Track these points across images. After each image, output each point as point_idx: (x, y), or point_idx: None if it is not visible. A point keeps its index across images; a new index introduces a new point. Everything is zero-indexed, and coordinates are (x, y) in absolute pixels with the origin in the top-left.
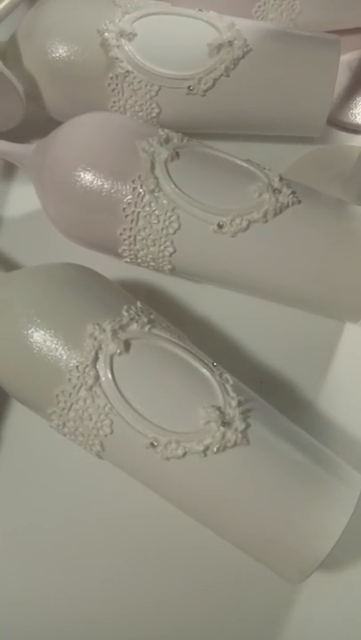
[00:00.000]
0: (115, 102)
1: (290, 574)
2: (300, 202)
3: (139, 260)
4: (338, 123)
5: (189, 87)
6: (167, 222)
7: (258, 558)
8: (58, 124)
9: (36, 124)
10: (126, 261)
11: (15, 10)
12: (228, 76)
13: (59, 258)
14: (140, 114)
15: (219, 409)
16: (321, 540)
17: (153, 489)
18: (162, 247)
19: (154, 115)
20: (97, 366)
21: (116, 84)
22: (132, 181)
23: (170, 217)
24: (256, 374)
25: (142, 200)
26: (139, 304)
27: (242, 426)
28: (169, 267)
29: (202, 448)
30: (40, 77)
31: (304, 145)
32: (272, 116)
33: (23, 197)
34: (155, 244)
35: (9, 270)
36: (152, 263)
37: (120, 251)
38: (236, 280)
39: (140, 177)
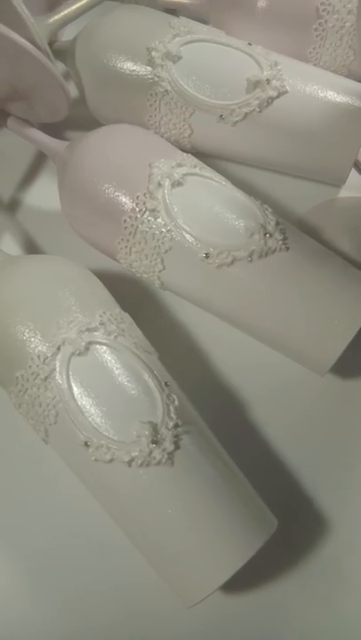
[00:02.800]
0: (151, 117)
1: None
2: (287, 249)
3: (133, 270)
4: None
5: (221, 115)
6: (160, 241)
7: (160, 574)
8: (99, 124)
9: (80, 121)
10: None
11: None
12: (260, 111)
13: (71, 249)
14: (174, 131)
15: (154, 426)
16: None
17: (85, 485)
18: (153, 263)
19: (186, 135)
20: (55, 360)
21: (155, 101)
22: (137, 197)
23: (163, 237)
24: (223, 395)
25: (142, 216)
26: (117, 311)
27: (170, 447)
28: (158, 282)
29: (127, 459)
30: (89, 81)
31: (328, 187)
32: (296, 159)
33: (48, 187)
34: (147, 259)
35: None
36: (145, 275)
37: (117, 257)
38: (215, 308)
39: (145, 194)
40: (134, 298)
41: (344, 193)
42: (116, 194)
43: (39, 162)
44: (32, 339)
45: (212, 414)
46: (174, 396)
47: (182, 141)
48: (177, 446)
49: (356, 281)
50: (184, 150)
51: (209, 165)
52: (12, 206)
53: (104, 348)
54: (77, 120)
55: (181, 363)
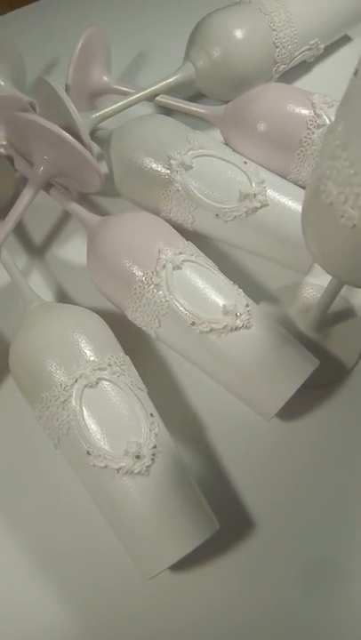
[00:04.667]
0: (164, 205)
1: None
2: (249, 327)
3: (136, 322)
4: None
5: (217, 214)
6: (159, 307)
7: (129, 553)
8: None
9: (109, 194)
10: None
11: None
12: (246, 216)
13: (92, 297)
14: (180, 219)
15: (138, 446)
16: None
17: (81, 482)
18: (152, 321)
19: (189, 222)
20: (73, 389)
21: (168, 195)
22: (147, 273)
23: (162, 305)
24: (194, 426)
25: (148, 287)
26: (121, 355)
27: (148, 462)
28: (154, 334)
29: (117, 467)
30: (118, 169)
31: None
32: (272, 253)
33: (79, 246)
34: (148, 317)
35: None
36: (144, 328)
37: (126, 312)
38: (195, 361)
39: (152, 272)
40: (135, 342)
41: (308, 279)
42: (131, 268)
43: (75, 223)
44: (58, 371)
45: (184, 440)
46: (156, 425)
47: (186, 226)
48: (153, 462)
49: (297, 353)
50: (188, 231)
51: (209, 244)
52: (50, 258)
53: (109, 383)
54: (107, 193)
55: (165, 399)
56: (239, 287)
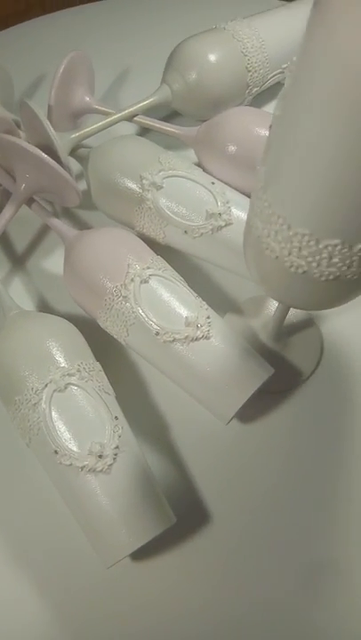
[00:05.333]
0: (137, 221)
1: (105, 557)
2: (209, 338)
3: (107, 330)
4: None
5: (185, 231)
6: (127, 317)
7: (91, 543)
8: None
9: (88, 207)
10: None
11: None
12: (212, 234)
13: (67, 305)
14: (152, 234)
15: (102, 446)
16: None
17: (50, 477)
18: (121, 330)
19: (160, 237)
20: (43, 393)
21: (141, 212)
22: (116, 286)
23: (130, 315)
24: (159, 427)
25: (117, 299)
26: (91, 361)
27: (110, 461)
28: (123, 342)
29: (81, 465)
30: (96, 187)
31: None
32: (234, 268)
33: (58, 256)
34: (117, 327)
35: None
36: (115, 335)
37: (97, 320)
38: (159, 368)
39: (121, 285)
40: (109, 348)
41: None
42: (103, 281)
43: (56, 236)
44: (30, 376)
45: (150, 439)
46: (120, 427)
47: (158, 240)
48: (115, 461)
49: (253, 362)
50: (160, 244)
51: (180, 257)
52: (31, 269)
53: (77, 388)
54: (87, 206)
55: (134, 401)
56: (207, 298)
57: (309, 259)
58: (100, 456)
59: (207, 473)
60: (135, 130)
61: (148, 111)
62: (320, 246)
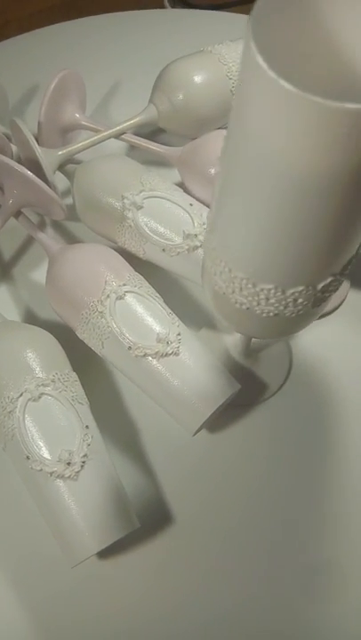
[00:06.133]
0: (119, 237)
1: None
2: (178, 354)
3: (85, 342)
4: None
5: (163, 249)
6: (102, 331)
7: (57, 540)
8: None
9: (74, 218)
10: None
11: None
12: (188, 253)
13: (50, 315)
14: (133, 250)
15: (70, 454)
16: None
17: (22, 480)
18: (97, 343)
19: (140, 253)
20: (18, 401)
21: (122, 229)
22: (93, 302)
23: (105, 330)
24: (130, 435)
25: (94, 314)
26: (66, 371)
27: (78, 468)
28: (100, 354)
29: (50, 471)
30: (80, 202)
31: None
32: None
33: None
34: (93, 339)
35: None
36: (92, 347)
37: (75, 332)
38: (132, 380)
39: (98, 301)
40: (85, 357)
41: None
42: (80, 295)
43: (41, 248)
44: (7, 385)
45: (120, 447)
46: (90, 436)
47: (138, 255)
48: (82, 468)
49: (219, 377)
50: (141, 259)
51: (161, 272)
52: (17, 279)
53: (51, 398)
54: (75, 218)
55: (107, 410)
56: (184, 313)
57: (250, 298)
58: (69, 463)
59: (175, 480)
60: (123, 146)
61: (137, 127)
62: (257, 289)
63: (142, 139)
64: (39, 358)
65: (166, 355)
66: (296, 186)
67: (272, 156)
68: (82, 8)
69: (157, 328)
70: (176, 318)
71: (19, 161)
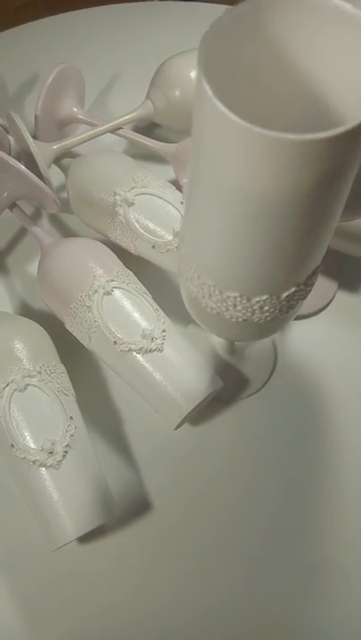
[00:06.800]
0: (110, 232)
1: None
2: (162, 350)
3: (74, 334)
4: None
5: (153, 246)
6: (89, 325)
7: (39, 525)
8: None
9: (70, 212)
10: None
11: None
12: (177, 250)
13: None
14: (124, 245)
15: (53, 443)
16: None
17: (7, 467)
18: (84, 336)
19: (131, 249)
20: (4, 392)
21: (114, 224)
22: (81, 296)
23: (92, 324)
24: (114, 424)
25: (81, 308)
26: (53, 363)
27: (60, 458)
28: (87, 347)
29: (33, 460)
30: (74, 197)
31: None
32: None
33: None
34: (81, 332)
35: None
36: (80, 340)
37: (65, 324)
38: (117, 373)
39: (86, 295)
40: (75, 349)
41: None
42: (70, 289)
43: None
44: None
45: (104, 437)
46: (74, 426)
47: (130, 250)
48: (64, 457)
49: (202, 374)
50: (132, 254)
51: (152, 267)
52: (10, 271)
53: (36, 389)
54: (69, 210)
55: (93, 401)
56: (174, 308)
57: (218, 304)
58: (51, 452)
59: (157, 472)
60: (119, 140)
61: (133, 122)
62: (224, 296)
63: (138, 134)
64: (26, 350)
65: (150, 351)
66: (248, 206)
67: (223, 176)
68: (75, 1)
69: (143, 324)
70: (163, 315)
71: (16, 153)
